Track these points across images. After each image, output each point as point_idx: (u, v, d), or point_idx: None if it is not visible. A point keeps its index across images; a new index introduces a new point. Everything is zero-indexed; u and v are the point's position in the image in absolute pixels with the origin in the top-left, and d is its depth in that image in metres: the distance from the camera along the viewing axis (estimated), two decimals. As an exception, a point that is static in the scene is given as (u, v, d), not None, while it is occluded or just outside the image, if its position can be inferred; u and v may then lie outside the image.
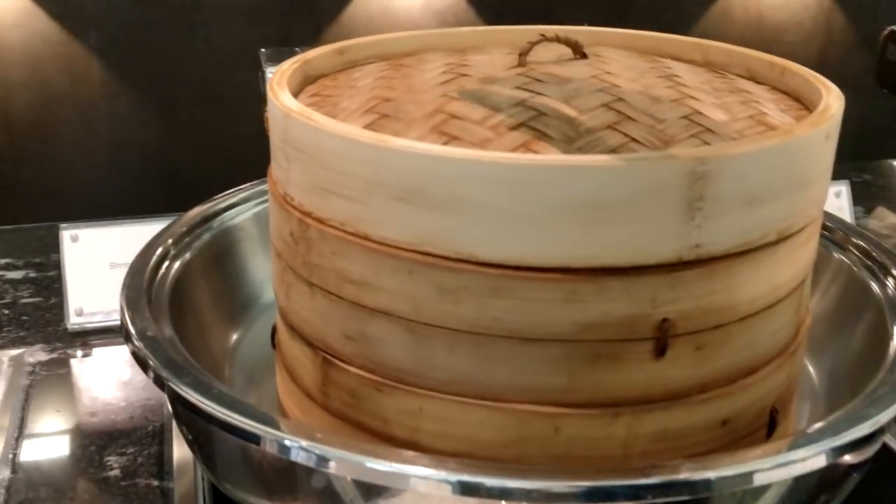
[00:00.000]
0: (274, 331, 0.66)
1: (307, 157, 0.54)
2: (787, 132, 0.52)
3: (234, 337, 0.73)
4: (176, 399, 0.53)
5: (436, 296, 0.51)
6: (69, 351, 0.81)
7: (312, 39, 2.25)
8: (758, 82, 0.65)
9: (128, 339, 0.58)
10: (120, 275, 0.64)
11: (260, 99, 0.75)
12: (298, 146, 0.54)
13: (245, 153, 2.31)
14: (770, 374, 0.56)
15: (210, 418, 0.51)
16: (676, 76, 0.62)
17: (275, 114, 0.57)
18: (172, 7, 2.14)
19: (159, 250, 0.67)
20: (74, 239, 0.83)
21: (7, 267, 0.94)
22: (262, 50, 0.91)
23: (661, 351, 0.50)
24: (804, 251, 0.56)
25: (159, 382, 0.54)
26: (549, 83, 0.57)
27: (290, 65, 0.65)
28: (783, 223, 0.52)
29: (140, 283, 0.62)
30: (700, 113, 0.55)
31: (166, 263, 0.66)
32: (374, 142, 0.50)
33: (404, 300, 0.52)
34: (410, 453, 0.49)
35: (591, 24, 0.78)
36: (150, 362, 0.55)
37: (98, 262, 0.83)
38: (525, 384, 0.52)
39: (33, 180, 2.17)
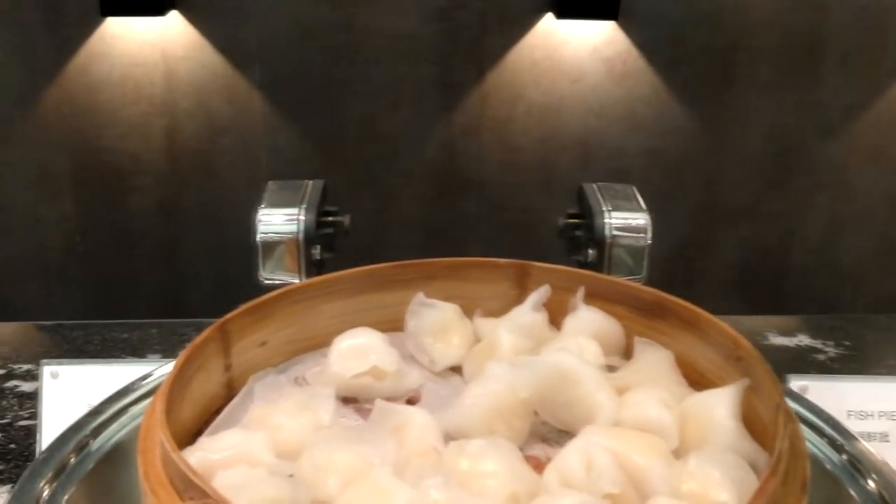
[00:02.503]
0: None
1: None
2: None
3: None
4: None
5: None
6: None
7: (475, 82, 2.18)
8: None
9: None
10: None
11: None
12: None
13: (399, 191, 2.29)
14: None
15: None
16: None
17: None
18: (335, 45, 2.13)
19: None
20: (55, 376, 0.80)
21: (25, 376, 0.93)
22: (270, 183, 0.85)
23: None
24: None
25: None
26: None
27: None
28: None
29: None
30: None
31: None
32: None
33: None
34: None
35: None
36: None
37: (77, 403, 0.80)
38: None
39: (194, 206, 2.24)
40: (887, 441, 0.79)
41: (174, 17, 2.08)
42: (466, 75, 2.19)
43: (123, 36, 2.09)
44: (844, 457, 0.58)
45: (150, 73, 2.13)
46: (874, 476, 0.57)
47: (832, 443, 0.59)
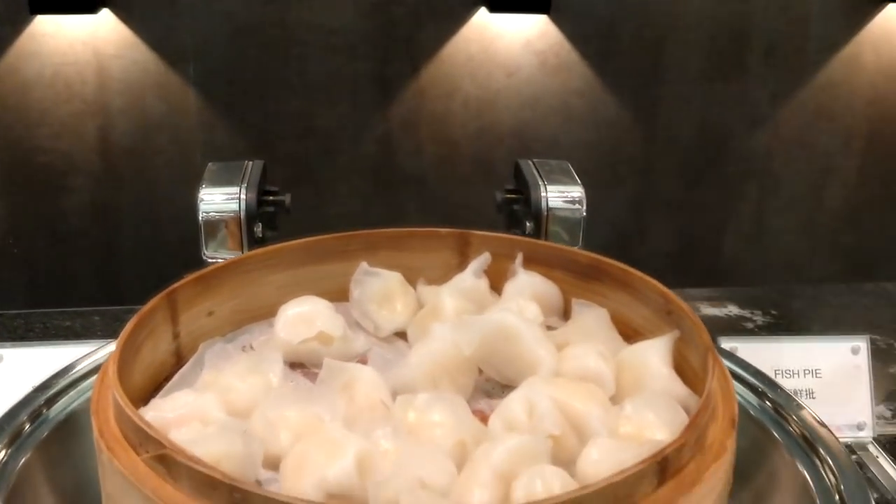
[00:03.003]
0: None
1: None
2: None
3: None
4: None
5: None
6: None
7: (411, 76, 2.20)
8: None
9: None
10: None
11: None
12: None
13: (337, 186, 2.30)
14: None
15: None
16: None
17: None
18: (269, 41, 2.13)
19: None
20: (-1, 359, 0.80)
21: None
22: (210, 164, 0.86)
23: None
24: None
25: None
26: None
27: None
28: None
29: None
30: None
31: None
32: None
33: None
34: None
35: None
36: None
37: (22, 385, 0.79)
38: None
39: (130, 206, 2.22)
40: (813, 398, 0.83)
41: (105, 15, 2.05)
42: (402, 70, 2.21)
43: (54, 34, 2.06)
44: (769, 404, 0.62)
45: (82, 72, 2.11)
46: (796, 420, 0.60)
47: (756, 391, 0.63)
